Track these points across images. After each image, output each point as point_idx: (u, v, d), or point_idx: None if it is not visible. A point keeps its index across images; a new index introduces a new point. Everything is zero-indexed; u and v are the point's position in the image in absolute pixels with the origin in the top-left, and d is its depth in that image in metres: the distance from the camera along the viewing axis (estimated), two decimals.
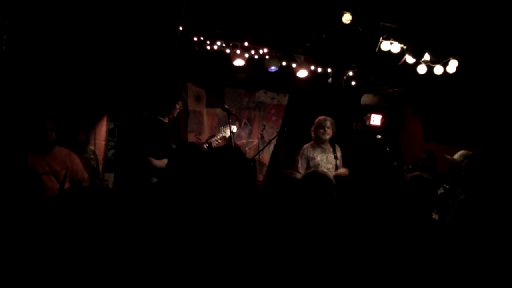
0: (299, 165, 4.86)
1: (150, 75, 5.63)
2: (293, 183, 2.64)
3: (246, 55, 5.52)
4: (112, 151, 5.76)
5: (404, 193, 2.66)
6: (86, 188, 4.04)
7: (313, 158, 4.75)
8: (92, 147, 5.13)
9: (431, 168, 5.04)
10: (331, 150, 4.77)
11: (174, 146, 4.30)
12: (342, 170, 3.23)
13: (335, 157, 4.72)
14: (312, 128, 4.87)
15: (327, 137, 4.79)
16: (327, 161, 4.76)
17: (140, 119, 5.56)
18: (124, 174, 5.20)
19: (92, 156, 4.93)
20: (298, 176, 2.76)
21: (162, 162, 4.09)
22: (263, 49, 5.59)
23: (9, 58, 3.84)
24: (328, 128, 4.76)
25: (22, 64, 4.40)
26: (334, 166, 4.68)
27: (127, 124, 5.77)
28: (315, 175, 2.71)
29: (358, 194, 2.69)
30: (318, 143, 4.83)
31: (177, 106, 4.37)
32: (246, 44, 5.46)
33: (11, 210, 3.64)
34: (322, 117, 4.85)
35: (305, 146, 4.91)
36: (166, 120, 4.36)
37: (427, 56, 4.97)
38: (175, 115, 4.49)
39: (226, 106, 4.80)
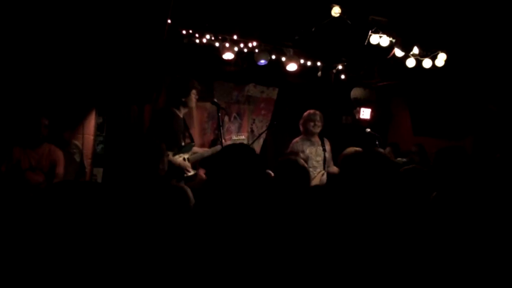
0: None
1: (138, 68, 5.57)
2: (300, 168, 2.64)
3: (236, 49, 5.49)
4: (101, 146, 5.69)
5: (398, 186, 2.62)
6: (73, 183, 4.01)
7: (303, 152, 4.72)
8: (76, 142, 5.06)
9: (422, 161, 5.08)
10: (320, 143, 4.81)
11: (184, 143, 4.19)
12: (335, 169, 3.20)
13: (324, 150, 4.75)
14: (301, 122, 4.86)
15: (318, 130, 4.79)
16: (316, 153, 4.77)
17: (155, 110, 5.37)
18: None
19: (75, 150, 4.88)
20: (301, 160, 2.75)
21: (174, 158, 4.01)
22: (252, 43, 5.57)
23: None
24: (318, 121, 4.76)
25: (9, 59, 4.34)
26: (323, 159, 4.73)
27: (115, 119, 5.71)
28: (288, 162, 2.69)
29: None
30: (307, 136, 4.83)
31: (192, 96, 4.19)
32: (235, 37, 5.44)
33: None
34: (311, 111, 4.84)
35: (294, 140, 4.90)
36: (181, 114, 4.21)
37: (416, 50, 5.00)
38: (192, 106, 4.34)
39: (216, 100, 4.77)
